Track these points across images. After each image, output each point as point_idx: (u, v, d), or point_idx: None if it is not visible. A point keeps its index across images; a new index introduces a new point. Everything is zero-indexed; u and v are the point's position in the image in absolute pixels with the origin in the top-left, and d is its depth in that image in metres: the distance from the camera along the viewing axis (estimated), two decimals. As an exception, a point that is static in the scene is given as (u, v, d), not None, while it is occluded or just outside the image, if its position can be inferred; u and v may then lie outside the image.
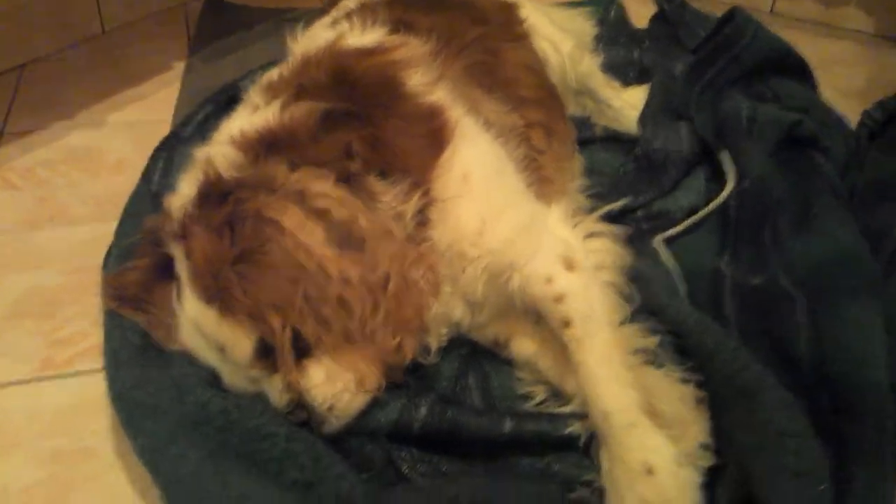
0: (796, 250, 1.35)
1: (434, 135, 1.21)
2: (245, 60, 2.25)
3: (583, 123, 1.91)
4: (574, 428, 1.12)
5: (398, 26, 1.40)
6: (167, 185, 1.49)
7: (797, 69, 2.08)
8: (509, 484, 1.06)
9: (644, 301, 1.27)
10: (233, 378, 1.10)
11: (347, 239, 1.07)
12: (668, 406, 1.11)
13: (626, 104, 1.94)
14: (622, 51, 2.31)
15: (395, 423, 1.10)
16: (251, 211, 1.06)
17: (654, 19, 2.48)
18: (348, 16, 1.49)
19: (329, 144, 1.15)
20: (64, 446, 1.15)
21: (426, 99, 1.25)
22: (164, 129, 1.91)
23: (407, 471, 1.08)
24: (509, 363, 1.29)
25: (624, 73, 2.19)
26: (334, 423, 1.08)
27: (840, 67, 2.49)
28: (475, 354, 1.29)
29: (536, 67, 1.57)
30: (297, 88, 1.24)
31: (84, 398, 1.21)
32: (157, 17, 2.57)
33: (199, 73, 2.20)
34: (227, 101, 1.84)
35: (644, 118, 1.81)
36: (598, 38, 2.34)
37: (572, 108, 1.95)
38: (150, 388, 1.06)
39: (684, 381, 1.15)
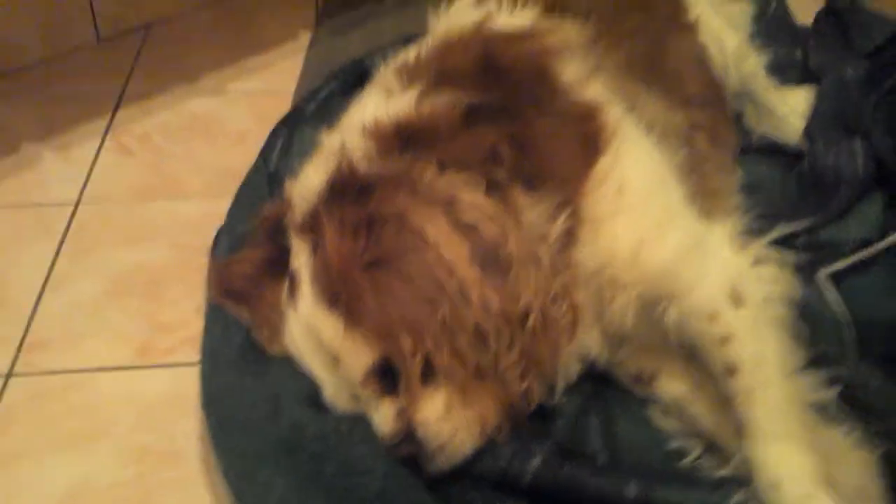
0: None
1: (589, 139, 1.06)
2: (375, 35, 2.14)
3: (737, 129, 1.72)
4: (738, 498, 0.95)
5: (553, 6, 1.24)
6: (286, 165, 1.39)
7: None
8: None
9: (810, 344, 1.09)
10: (336, 393, 0.98)
11: (493, 261, 0.94)
12: (848, 474, 0.95)
13: (792, 111, 1.73)
14: (782, 50, 2.08)
15: (503, 471, 0.96)
16: (394, 214, 0.94)
17: (821, 16, 2.23)
18: (495, -6, 1.34)
19: (473, 143, 1.02)
20: (153, 445, 1.07)
21: (582, 95, 1.10)
22: (286, 101, 1.83)
23: (512, 527, 0.95)
24: (639, 405, 1.13)
25: (784, 74, 1.97)
26: (441, 464, 0.95)
27: None
28: (602, 391, 1.14)
29: (704, 59, 1.39)
30: (438, 75, 1.11)
31: (179, 393, 1.13)
32: (287, -21, 2.49)
33: (325, 46, 2.10)
34: (356, 78, 1.74)
35: (812, 129, 1.59)
36: (755, 35, 2.14)
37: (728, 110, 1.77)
38: (246, 400, 0.96)
39: (864, 443, 0.98)
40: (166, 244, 1.40)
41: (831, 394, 1.01)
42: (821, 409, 0.99)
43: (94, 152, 1.63)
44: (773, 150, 1.66)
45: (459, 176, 0.98)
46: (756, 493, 0.95)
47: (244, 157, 1.57)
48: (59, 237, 1.40)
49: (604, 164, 1.04)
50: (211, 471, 1.01)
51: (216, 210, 1.41)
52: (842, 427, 0.99)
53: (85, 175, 1.56)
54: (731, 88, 1.70)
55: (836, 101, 1.67)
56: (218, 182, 1.55)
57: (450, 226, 0.94)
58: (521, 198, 1.00)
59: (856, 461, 0.96)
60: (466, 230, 0.94)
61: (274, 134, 1.50)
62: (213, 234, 1.33)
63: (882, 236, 1.35)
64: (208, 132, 1.73)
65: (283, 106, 1.81)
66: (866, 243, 1.35)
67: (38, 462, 1.04)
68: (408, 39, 1.88)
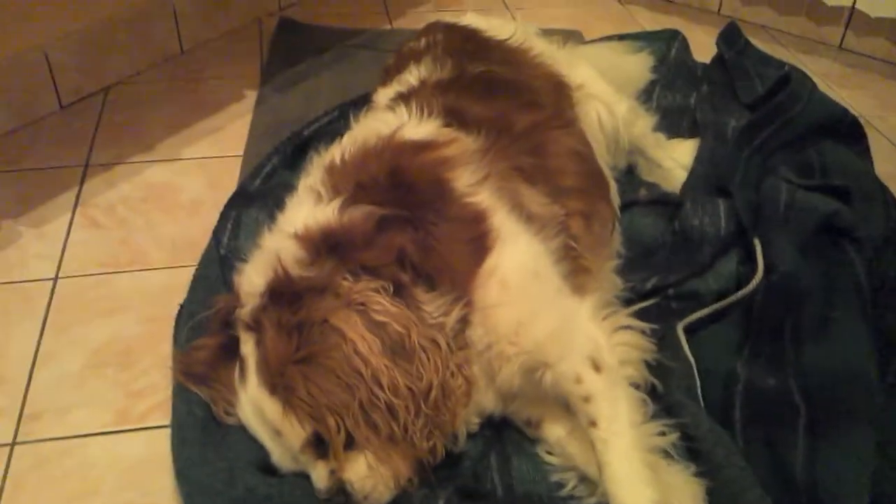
0: (810, 356, 1.44)
1: (477, 241, 1.32)
2: (313, 93, 2.39)
3: (628, 184, 1.99)
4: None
5: (450, 118, 1.50)
6: (235, 248, 1.63)
7: (850, 131, 2.12)
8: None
9: (662, 394, 1.38)
10: (281, 457, 1.25)
11: (400, 351, 1.20)
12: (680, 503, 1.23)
13: (676, 164, 2.02)
14: (678, 96, 2.37)
15: (416, 513, 1.24)
16: (319, 317, 1.19)
17: (715, 62, 2.51)
18: (407, 98, 1.59)
19: (383, 249, 1.28)
20: (136, 500, 1.31)
21: (473, 200, 1.36)
22: (236, 166, 2.07)
23: (424, 556, 1.22)
24: (531, 445, 1.41)
25: (678, 122, 2.25)
26: (366, 510, 1.22)
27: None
28: (500, 437, 1.41)
29: (583, 152, 1.64)
30: (356, 187, 1.36)
31: (154, 453, 1.37)
32: (232, 34, 2.71)
33: (268, 105, 2.33)
34: (295, 150, 1.98)
35: (686, 191, 1.87)
36: (655, 82, 2.42)
37: (622, 164, 2.04)
38: (208, 470, 1.22)
39: (695, 478, 1.27)
40: (135, 316, 1.64)
41: (671, 438, 1.30)
42: (663, 451, 1.28)
43: (66, 227, 1.85)
44: (658, 202, 1.94)
45: (371, 283, 1.24)
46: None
47: (199, 227, 1.82)
48: (42, 314, 1.63)
49: (489, 263, 1.31)
50: (186, 524, 1.26)
51: (177, 281, 1.66)
52: (679, 465, 1.28)
53: (60, 251, 1.78)
54: (622, 147, 1.99)
55: (711, 162, 1.95)
56: (177, 253, 1.79)
57: (364, 325, 1.20)
58: (422, 295, 1.27)
59: (688, 493, 1.24)
60: (377, 328, 1.20)
61: (223, 216, 1.74)
62: (175, 305, 1.58)
63: (737, 289, 1.65)
64: (165, 202, 1.95)
65: (232, 170, 2.05)
66: (722, 295, 1.64)
67: (44, 521, 1.29)
68: (342, 107, 2.14)
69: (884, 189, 1.97)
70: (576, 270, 1.44)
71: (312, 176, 1.48)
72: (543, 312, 1.32)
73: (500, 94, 1.62)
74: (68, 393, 1.48)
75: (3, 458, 1.37)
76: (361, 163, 1.43)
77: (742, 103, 2.27)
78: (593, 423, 1.27)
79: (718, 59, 2.49)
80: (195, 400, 1.32)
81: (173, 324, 1.54)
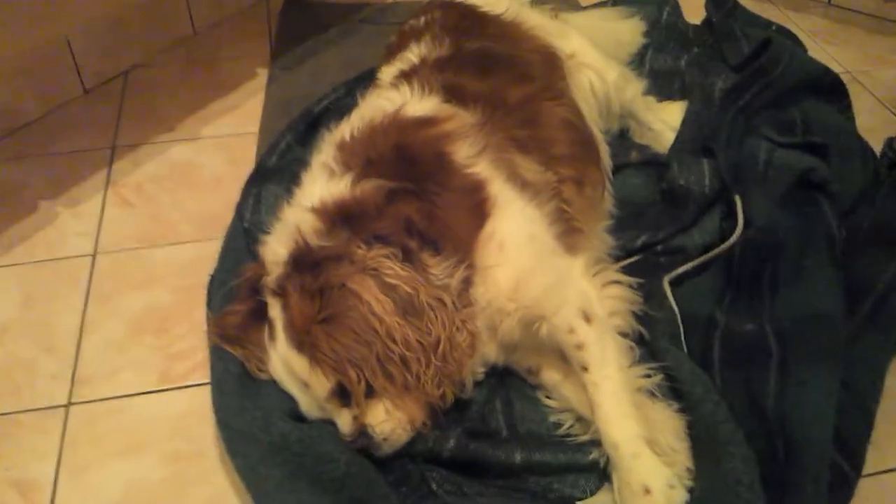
0: (783, 302, 1.58)
1: (477, 208, 1.46)
2: (321, 69, 2.52)
3: (620, 146, 2.11)
4: (594, 455, 1.40)
5: (449, 94, 1.63)
6: (257, 221, 1.78)
7: (832, 88, 2.23)
8: None
9: (649, 341, 1.53)
10: (309, 406, 1.41)
11: (411, 310, 1.34)
12: (664, 436, 1.39)
13: (666, 126, 2.15)
14: (669, 59, 2.48)
15: (429, 450, 1.40)
16: (337, 282, 1.34)
17: (705, 24, 2.61)
18: (408, 76, 1.72)
19: (392, 219, 1.42)
20: (182, 449, 1.48)
21: (472, 170, 1.49)
22: (252, 143, 2.21)
23: (436, 488, 1.38)
24: (531, 390, 1.56)
25: (669, 83, 2.37)
26: (386, 450, 1.38)
27: (886, 69, 2.59)
28: (503, 383, 1.57)
29: (574, 121, 1.77)
30: (366, 163, 1.49)
31: (196, 407, 1.53)
32: (241, 14, 2.83)
33: (279, 83, 2.46)
34: (307, 127, 2.12)
35: (672, 153, 2.00)
36: (647, 46, 2.53)
37: (615, 127, 2.17)
38: (246, 418, 1.38)
39: (676, 414, 1.42)
40: (169, 287, 1.79)
41: (656, 380, 1.45)
42: (648, 391, 1.44)
43: (99, 206, 2.01)
44: (649, 163, 2.07)
45: (383, 250, 1.38)
46: (604, 452, 1.39)
47: (221, 202, 1.97)
48: (85, 287, 1.79)
49: (489, 227, 1.45)
50: (228, 466, 1.41)
51: (205, 253, 1.81)
52: (662, 403, 1.44)
53: (96, 228, 1.94)
54: (614, 112, 2.12)
55: (697, 124, 2.07)
56: (203, 227, 1.94)
57: (377, 288, 1.35)
58: (428, 259, 1.41)
59: (670, 427, 1.40)
60: (389, 290, 1.35)
61: (244, 193, 1.88)
62: (205, 275, 1.73)
63: (721, 243, 1.78)
64: (189, 180, 2.10)
65: (249, 147, 2.20)
66: (707, 249, 1.78)
67: (101, 469, 1.45)
68: (348, 84, 2.27)
69: (863, 144, 2.09)
70: (569, 231, 1.58)
71: (325, 152, 1.62)
72: (539, 271, 1.46)
73: (495, 68, 1.74)
74: (114, 358, 1.65)
75: (60, 418, 1.54)
76: (369, 139, 1.56)
77: (729, 65, 2.38)
78: (585, 369, 1.42)
79: (708, 21, 2.60)
80: (230, 359, 1.47)
81: (205, 292, 1.69)
